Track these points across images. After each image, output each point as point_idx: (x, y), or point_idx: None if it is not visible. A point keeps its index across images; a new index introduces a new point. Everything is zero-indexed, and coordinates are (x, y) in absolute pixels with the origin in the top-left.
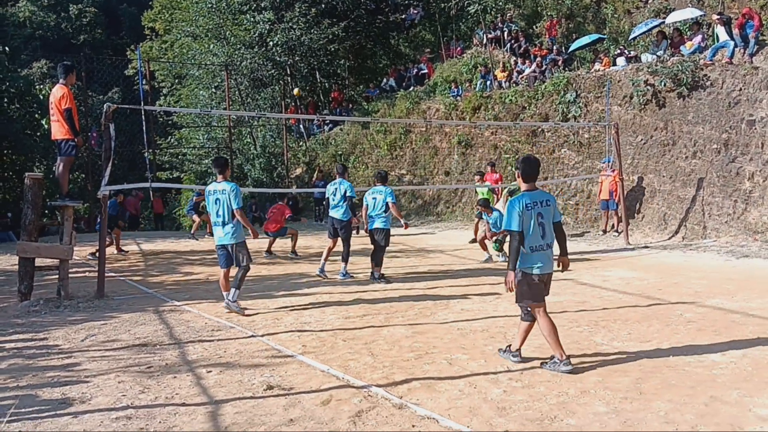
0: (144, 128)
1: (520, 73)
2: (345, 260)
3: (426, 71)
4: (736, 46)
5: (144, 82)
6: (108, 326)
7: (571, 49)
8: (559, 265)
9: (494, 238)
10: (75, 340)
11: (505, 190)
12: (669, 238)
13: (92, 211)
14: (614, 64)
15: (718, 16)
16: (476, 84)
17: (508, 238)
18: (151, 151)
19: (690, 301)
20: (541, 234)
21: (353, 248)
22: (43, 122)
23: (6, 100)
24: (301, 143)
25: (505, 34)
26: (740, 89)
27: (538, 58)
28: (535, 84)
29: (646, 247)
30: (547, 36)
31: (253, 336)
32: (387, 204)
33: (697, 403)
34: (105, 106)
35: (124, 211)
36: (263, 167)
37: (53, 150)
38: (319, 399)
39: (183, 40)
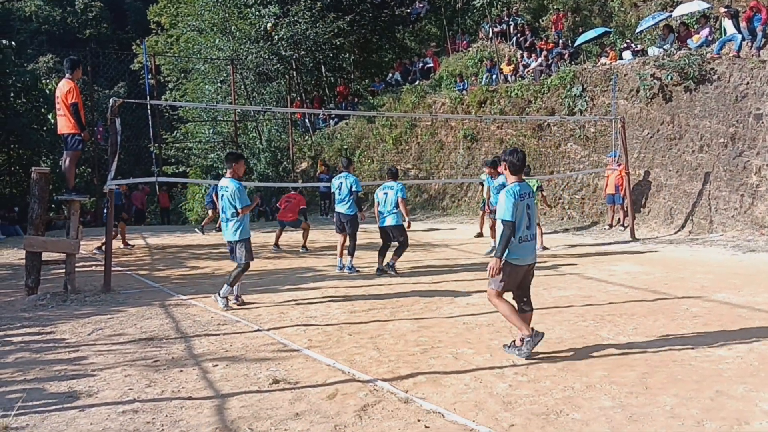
0: (150, 122)
1: (526, 66)
2: (351, 254)
3: (432, 65)
4: (743, 39)
5: (150, 77)
6: (114, 320)
7: (577, 42)
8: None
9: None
10: (82, 333)
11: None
12: (675, 233)
13: (98, 205)
14: (621, 58)
15: (726, 9)
16: (482, 78)
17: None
18: (156, 145)
19: (696, 296)
20: (527, 224)
21: (359, 242)
22: (50, 117)
23: (12, 94)
24: (306, 137)
25: (511, 27)
26: (747, 83)
27: (545, 52)
28: (541, 78)
29: (653, 240)
30: (553, 29)
31: (259, 330)
32: (398, 200)
33: (703, 397)
34: (111, 100)
35: (131, 205)
36: (269, 161)
37: (60, 144)
38: (324, 393)
39: (189, 35)
